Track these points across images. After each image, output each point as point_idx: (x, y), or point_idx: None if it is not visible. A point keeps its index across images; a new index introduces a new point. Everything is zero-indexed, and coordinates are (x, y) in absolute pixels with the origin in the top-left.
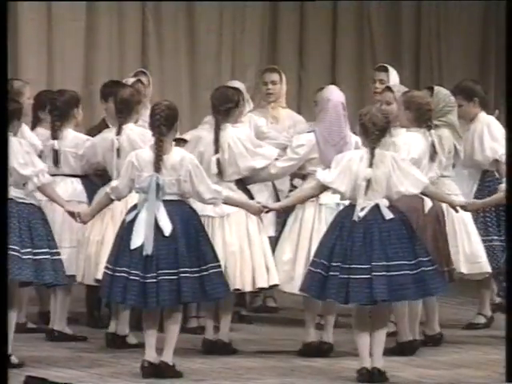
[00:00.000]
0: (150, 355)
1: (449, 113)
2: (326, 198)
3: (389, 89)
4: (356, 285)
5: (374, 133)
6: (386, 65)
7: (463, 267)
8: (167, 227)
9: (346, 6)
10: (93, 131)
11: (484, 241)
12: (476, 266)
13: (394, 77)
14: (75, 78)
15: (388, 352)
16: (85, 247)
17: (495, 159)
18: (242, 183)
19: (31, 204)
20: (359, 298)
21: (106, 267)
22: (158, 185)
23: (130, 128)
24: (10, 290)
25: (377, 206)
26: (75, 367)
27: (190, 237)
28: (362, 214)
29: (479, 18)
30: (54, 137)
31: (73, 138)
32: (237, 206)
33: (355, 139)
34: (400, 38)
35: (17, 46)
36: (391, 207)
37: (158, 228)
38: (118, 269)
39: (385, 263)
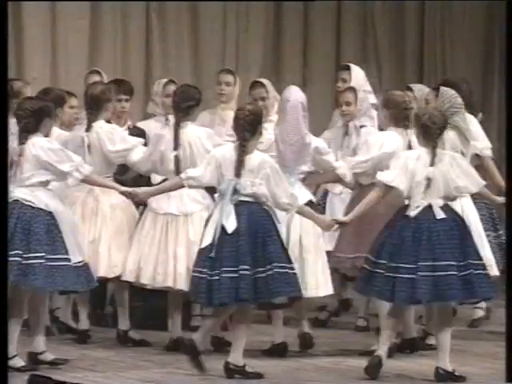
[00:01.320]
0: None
1: (454, 114)
2: None
3: (351, 89)
4: (401, 284)
5: (435, 132)
6: (349, 64)
7: None
8: (231, 225)
9: (349, 5)
10: None
11: None
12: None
13: (356, 75)
14: (79, 75)
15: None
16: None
17: (475, 154)
18: None
19: (39, 208)
20: (404, 298)
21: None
22: (234, 190)
23: (99, 125)
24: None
25: (429, 206)
26: (79, 366)
27: (257, 236)
28: (414, 212)
29: (483, 17)
30: None
31: (57, 136)
32: (309, 218)
33: (318, 140)
34: (404, 38)
35: (21, 45)
36: (445, 207)
37: (223, 227)
38: (194, 269)
39: (431, 263)
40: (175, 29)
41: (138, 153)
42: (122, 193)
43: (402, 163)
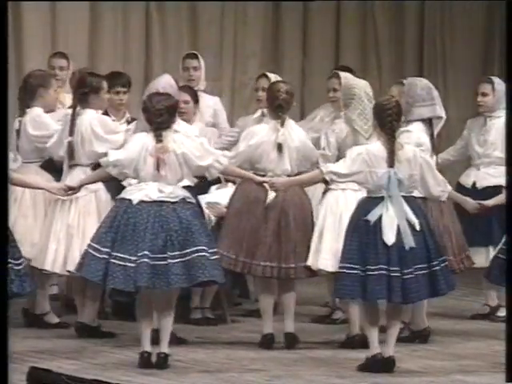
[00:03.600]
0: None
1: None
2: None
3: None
4: None
5: None
6: (195, 52)
7: None
8: (417, 221)
9: None
10: None
11: None
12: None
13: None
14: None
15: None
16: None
17: None
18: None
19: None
20: None
21: (347, 267)
22: (397, 180)
23: (31, 111)
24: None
25: None
26: (79, 358)
27: (423, 233)
28: None
29: (483, 11)
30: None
31: None
32: (457, 200)
33: (194, 130)
34: (403, 29)
35: (21, 37)
36: None
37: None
38: (373, 267)
39: None
40: (174, 21)
41: (53, 139)
42: (258, 183)
43: None
